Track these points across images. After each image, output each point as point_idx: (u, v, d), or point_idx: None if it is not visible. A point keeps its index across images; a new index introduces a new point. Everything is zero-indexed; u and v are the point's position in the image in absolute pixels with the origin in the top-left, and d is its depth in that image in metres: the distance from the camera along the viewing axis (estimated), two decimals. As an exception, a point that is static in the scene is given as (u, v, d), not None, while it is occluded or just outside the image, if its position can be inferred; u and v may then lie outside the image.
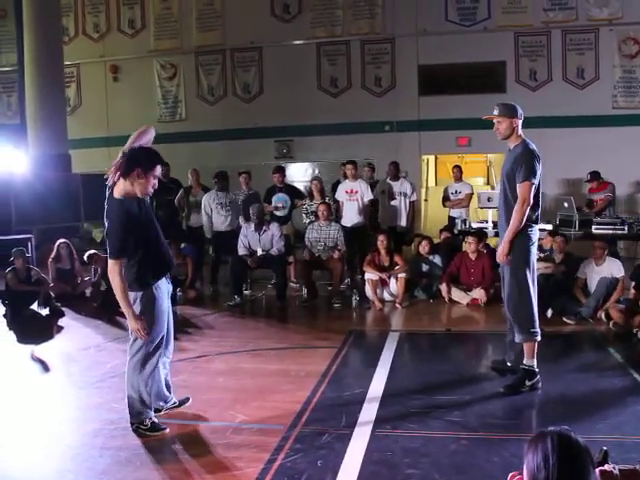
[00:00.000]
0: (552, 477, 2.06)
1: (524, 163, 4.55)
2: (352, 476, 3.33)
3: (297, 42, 13.56)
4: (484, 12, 12.73)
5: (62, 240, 8.72)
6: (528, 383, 4.68)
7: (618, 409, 4.25)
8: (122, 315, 7.70)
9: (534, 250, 4.73)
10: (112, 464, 3.55)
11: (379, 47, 13.33)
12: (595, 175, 9.44)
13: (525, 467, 2.17)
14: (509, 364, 5.03)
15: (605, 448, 2.77)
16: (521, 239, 4.63)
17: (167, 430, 3.99)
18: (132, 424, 3.97)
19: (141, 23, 14.42)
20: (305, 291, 8.34)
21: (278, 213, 9.38)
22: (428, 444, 3.71)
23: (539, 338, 4.71)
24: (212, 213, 9.15)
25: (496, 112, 4.69)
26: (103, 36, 14.66)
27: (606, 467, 2.61)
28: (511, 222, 4.59)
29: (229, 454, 3.64)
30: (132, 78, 14.43)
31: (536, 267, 4.82)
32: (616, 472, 2.56)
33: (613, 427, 3.91)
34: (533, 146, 4.66)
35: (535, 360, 4.72)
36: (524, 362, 4.73)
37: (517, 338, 4.75)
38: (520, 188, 4.55)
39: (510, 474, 2.70)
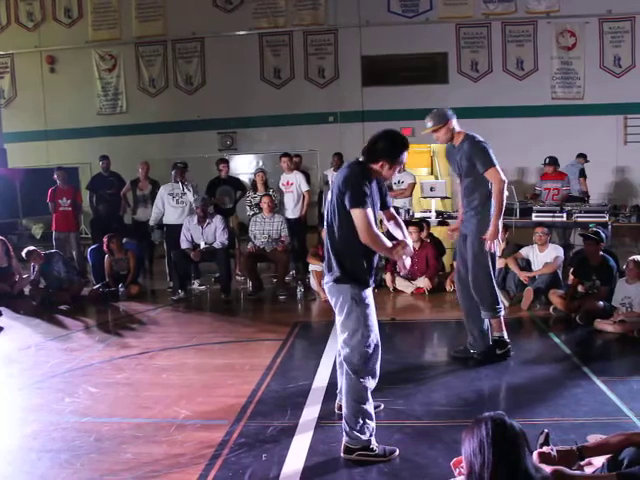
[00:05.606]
0: (488, 462, 2.10)
1: (479, 155, 4.75)
2: (297, 468, 3.33)
3: (240, 33, 13.38)
4: (426, 4, 12.81)
5: (-2, 237, 8.45)
6: (499, 352, 5.08)
7: (558, 392, 4.35)
8: (62, 313, 7.54)
9: None
10: (51, 467, 3.46)
11: (322, 38, 13.27)
12: (553, 160, 9.48)
13: (463, 454, 2.20)
14: (472, 351, 5.16)
15: (546, 430, 2.84)
16: (483, 223, 4.86)
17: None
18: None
19: (78, 12, 13.92)
20: (250, 284, 8.28)
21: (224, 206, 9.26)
22: (373, 433, 3.72)
23: (503, 313, 5.14)
24: (165, 205, 8.64)
25: (430, 124, 4.84)
26: (38, 25, 14.07)
27: (544, 449, 2.68)
28: (494, 206, 4.81)
29: (173, 451, 3.59)
30: (70, 69, 13.93)
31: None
32: (554, 453, 2.62)
33: (552, 410, 4.01)
34: (475, 134, 4.88)
35: (504, 332, 5.12)
36: (493, 334, 5.12)
37: (483, 315, 5.08)
38: (489, 175, 4.76)
39: (454, 459, 2.74)
